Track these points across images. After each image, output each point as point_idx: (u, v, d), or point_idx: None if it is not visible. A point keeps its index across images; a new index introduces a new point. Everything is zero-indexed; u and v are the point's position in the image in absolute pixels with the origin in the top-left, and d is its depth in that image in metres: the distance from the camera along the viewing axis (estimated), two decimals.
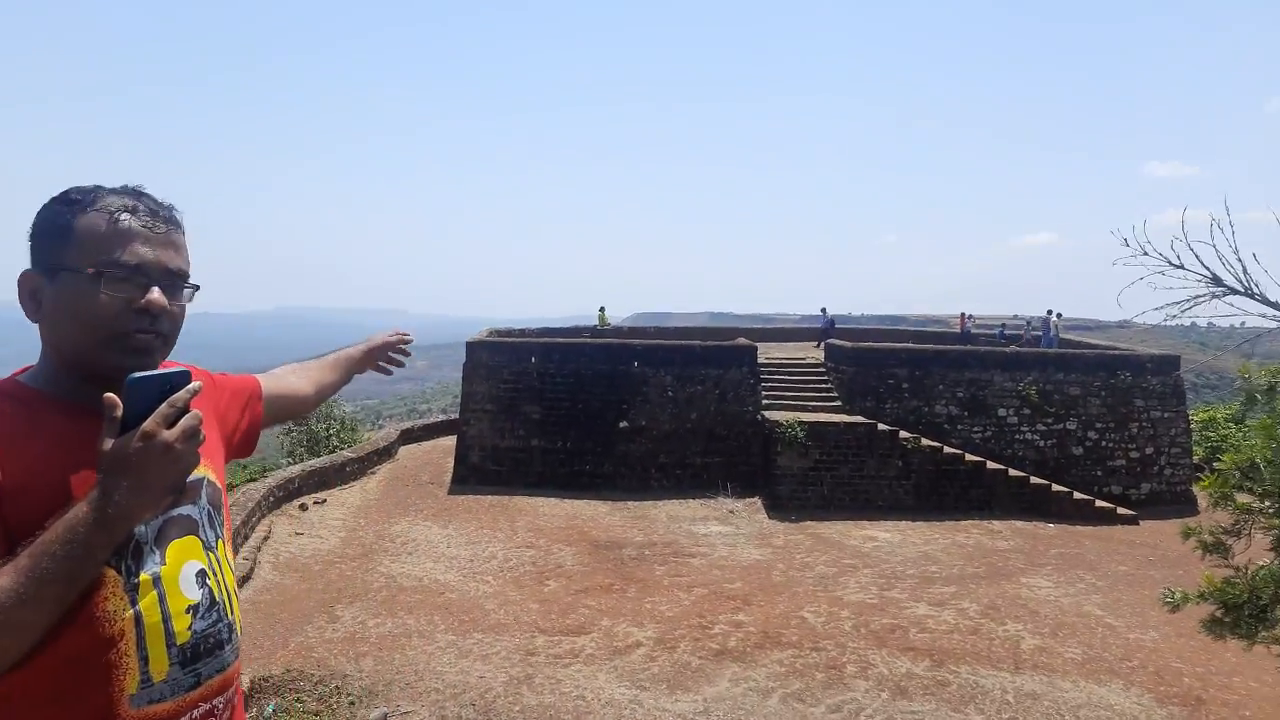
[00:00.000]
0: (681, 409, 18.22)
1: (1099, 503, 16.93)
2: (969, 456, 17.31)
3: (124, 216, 1.28)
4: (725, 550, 13.73)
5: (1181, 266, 5.00)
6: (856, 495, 16.77)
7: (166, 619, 1.28)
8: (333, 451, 17.97)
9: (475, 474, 17.63)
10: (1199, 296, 5.15)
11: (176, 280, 1.34)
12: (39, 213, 1.31)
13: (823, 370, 20.05)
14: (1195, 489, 17.83)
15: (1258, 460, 7.37)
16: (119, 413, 1.18)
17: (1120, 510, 16.78)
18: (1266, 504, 7.58)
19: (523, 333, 23.10)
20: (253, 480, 13.10)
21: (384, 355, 2.21)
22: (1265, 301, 5.04)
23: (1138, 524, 16.39)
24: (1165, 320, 5.57)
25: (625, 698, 8.18)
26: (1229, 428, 21.45)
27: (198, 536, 1.37)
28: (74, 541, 1.11)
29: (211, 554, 1.39)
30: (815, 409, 18.29)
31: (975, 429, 18.40)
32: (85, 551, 1.12)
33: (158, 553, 1.29)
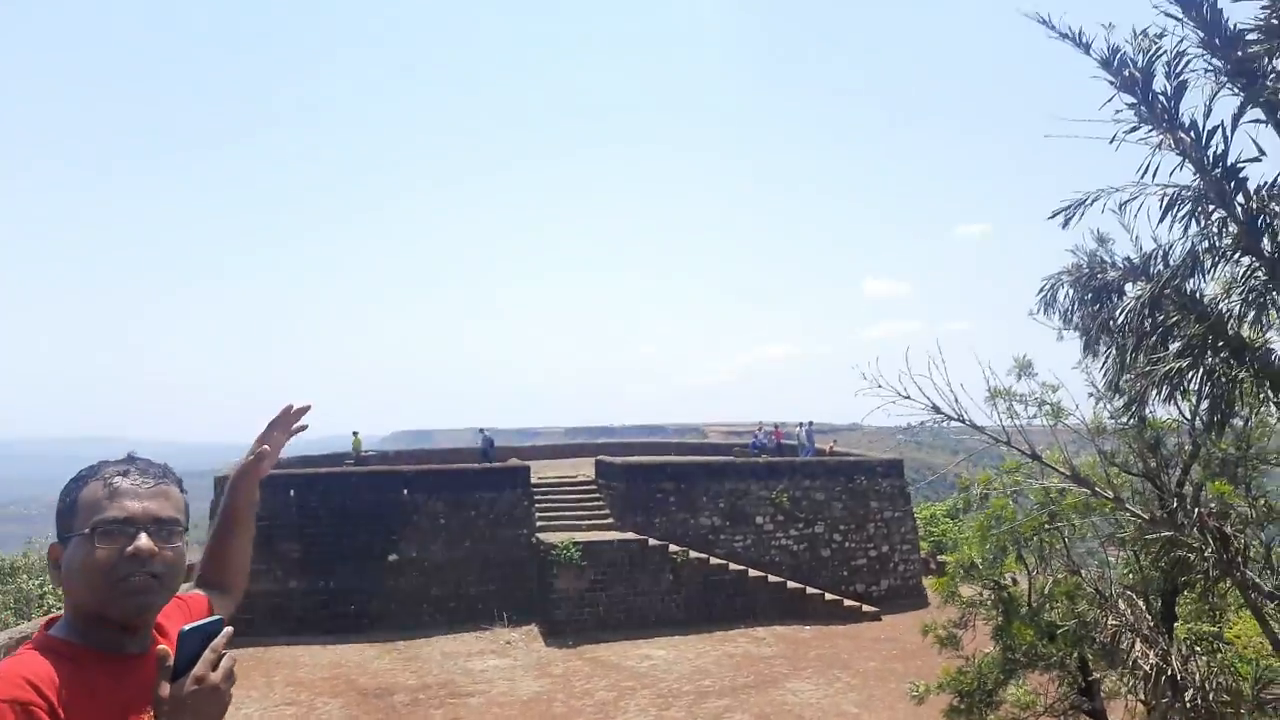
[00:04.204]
0: (455, 536, 17.70)
1: (847, 602, 18.36)
2: (733, 565, 18.19)
3: (116, 479, 1.49)
4: (504, 685, 13.29)
5: (908, 398, 5.93)
6: (631, 613, 16.97)
7: None
8: (47, 613, 15.43)
9: None
10: (924, 421, 6.11)
11: (166, 526, 1.50)
12: (60, 492, 1.52)
13: (594, 487, 20.41)
14: (926, 582, 19.89)
15: (975, 559, 8.53)
16: (170, 662, 1.36)
17: (865, 607, 18.28)
18: (985, 595, 8.75)
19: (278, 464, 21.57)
20: None
21: (280, 444, 2.02)
22: (973, 426, 6.09)
23: (880, 619, 17.91)
24: (898, 439, 6.49)
25: None
26: (947, 523, 24.29)
27: None
28: None
29: None
30: (589, 527, 18.49)
31: (737, 537, 19.40)
32: None
33: None
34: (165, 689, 1.35)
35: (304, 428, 2.08)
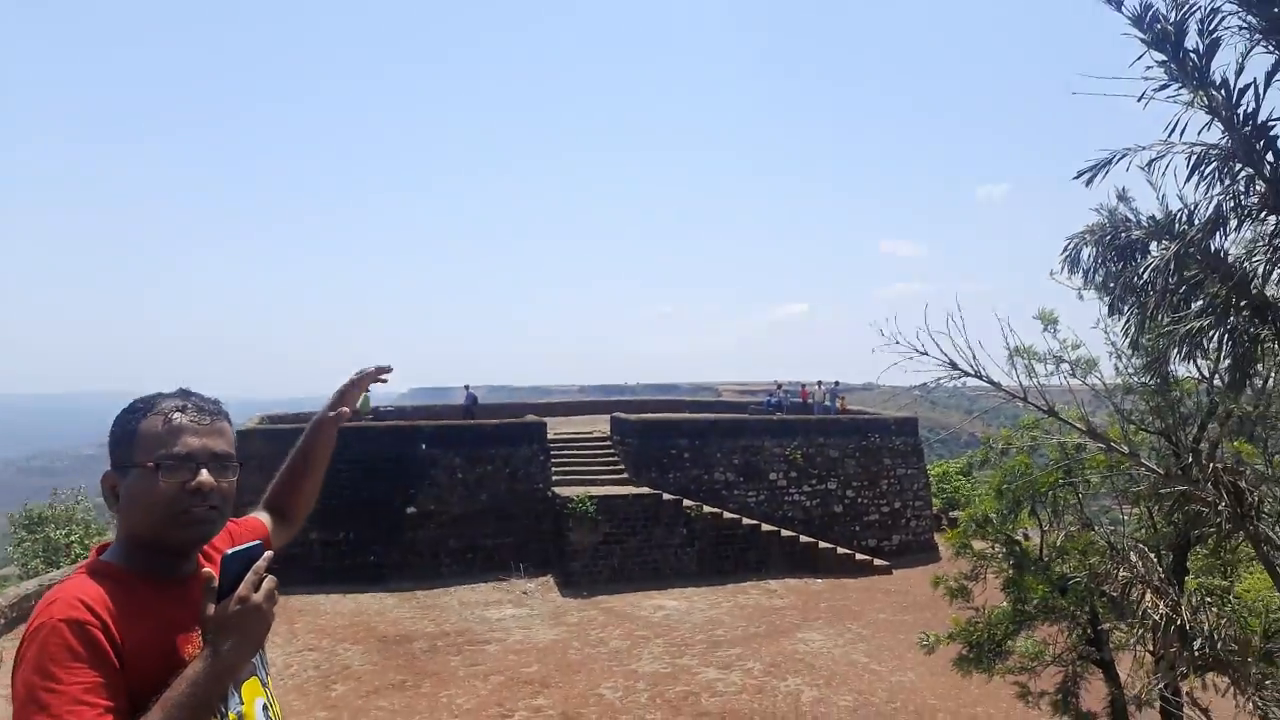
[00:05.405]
0: (472, 490, 17.98)
1: (859, 556, 18.61)
2: (746, 520, 18.43)
3: (175, 415, 1.55)
4: (520, 633, 13.61)
5: (925, 354, 5.96)
6: (645, 565, 17.27)
7: None
8: (74, 561, 15.82)
9: None
10: (940, 378, 6.16)
11: (223, 461, 1.58)
12: (113, 422, 1.57)
13: (609, 443, 20.63)
14: (937, 538, 20.08)
15: (989, 513, 8.64)
16: (216, 584, 1.44)
17: (876, 561, 18.54)
18: (997, 549, 8.87)
19: (297, 418, 21.81)
20: None
21: (362, 390, 2.19)
22: (990, 382, 6.12)
23: (891, 573, 18.16)
24: (914, 395, 6.56)
25: None
26: (960, 480, 24.43)
27: (257, 676, 1.64)
28: (196, 694, 1.36)
29: (266, 689, 1.67)
30: (604, 482, 18.75)
31: (750, 493, 19.65)
32: (205, 700, 1.38)
33: (237, 694, 1.54)
34: (211, 609, 1.43)
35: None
